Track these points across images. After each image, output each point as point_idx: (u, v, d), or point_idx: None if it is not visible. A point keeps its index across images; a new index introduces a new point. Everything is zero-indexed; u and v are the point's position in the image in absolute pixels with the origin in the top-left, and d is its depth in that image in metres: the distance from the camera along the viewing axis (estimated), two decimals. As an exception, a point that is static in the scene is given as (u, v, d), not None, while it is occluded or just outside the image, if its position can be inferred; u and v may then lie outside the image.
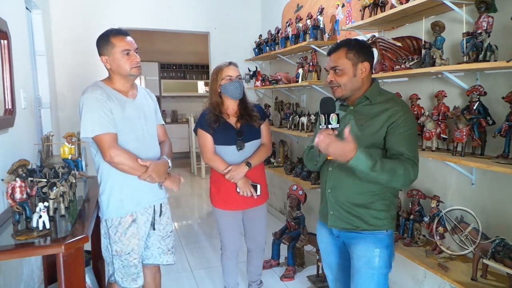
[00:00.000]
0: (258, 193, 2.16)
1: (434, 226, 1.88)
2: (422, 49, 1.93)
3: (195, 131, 2.23)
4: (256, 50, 4.30)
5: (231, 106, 2.18)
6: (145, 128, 1.87)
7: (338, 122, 1.42)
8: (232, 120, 2.17)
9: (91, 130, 1.69)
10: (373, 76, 1.71)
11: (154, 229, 1.93)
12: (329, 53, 1.58)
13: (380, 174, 1.39)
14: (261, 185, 2.20)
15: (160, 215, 1.94)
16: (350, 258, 1.64)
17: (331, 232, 1.69)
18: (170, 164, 1.89)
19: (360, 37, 2.41)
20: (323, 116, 1.44)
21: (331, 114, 1.41)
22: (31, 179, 1.68)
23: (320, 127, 1.45)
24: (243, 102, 2.19)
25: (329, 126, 1.42)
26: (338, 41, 1.59)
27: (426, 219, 1.97)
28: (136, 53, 1.79)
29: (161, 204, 1.95)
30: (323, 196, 1.69)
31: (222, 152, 2.15)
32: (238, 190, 2.13)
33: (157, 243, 1.97)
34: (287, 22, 3.60)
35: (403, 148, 1.47)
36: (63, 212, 1.73)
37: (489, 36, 1.60)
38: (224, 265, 2.36)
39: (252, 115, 2.17)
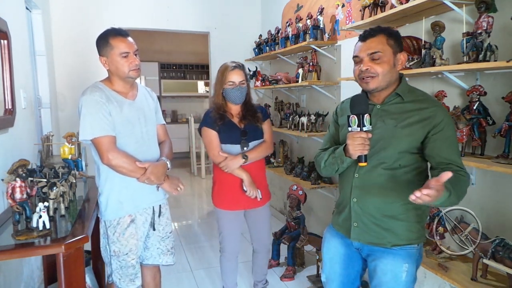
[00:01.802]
0: (261, 196, 2.20)
1: (434, 226, 1.87)
2: (422, 49, 1.93)
3: (200, 130, 2.23)
4: (256, 50, 4.30)
5: (233, 107, 2.19)
6: (144, 130, 1.85)
7: (370, 124, 1.29)
8: (236, 120, 2.19)
9: (90, 132, 1.68)
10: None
11: (154, 229, 1.92)
12: (364, 38, 1.38)
13: (454, 200, 1.23)
14: (262, 188, 2.24)
15: (159, 216, 1.94)
16: (361, 270, 1.55)
17: (348, 244, 1.53)
18: (169, 166, 1.87)
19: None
20: (354, 117, 1.30)
21: (365, 115, 1.28)
22: (31, 179, 1.68)
23: (350, 129, 1.32)
24: (246, 104, 2.20)
25: (363, 128, 1.28)
26: (372, 27, 1.40)
27: (426, 219, 1.97)
28: (136, 55, 1.76)
29: (160, 205, 1.94)
30: (344, 205, 1.52)
31: (227, 151, 2.17)
32: (244, 188, 2.14)
33: (156, 243, 1.96)
34: (287, 22, 3.60)
35: (453, 155, 1.32)
36: (63, 212, 1.73)
37: (489, 36, 1.60)
38: (223, 266, 2.35)
39: (256, 115, 2.19)
